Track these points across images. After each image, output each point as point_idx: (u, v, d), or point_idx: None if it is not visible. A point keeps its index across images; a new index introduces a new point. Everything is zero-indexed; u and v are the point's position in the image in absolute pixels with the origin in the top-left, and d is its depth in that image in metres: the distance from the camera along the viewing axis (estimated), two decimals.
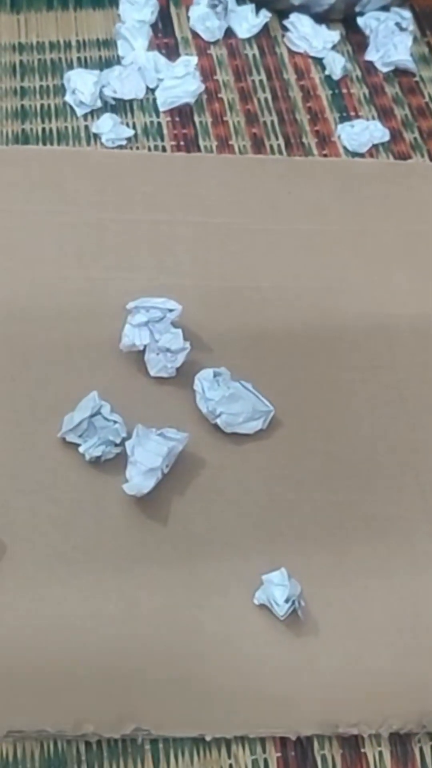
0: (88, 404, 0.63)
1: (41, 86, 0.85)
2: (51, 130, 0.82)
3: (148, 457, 0.60)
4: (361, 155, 0.82)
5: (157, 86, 0.85)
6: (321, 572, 0.59)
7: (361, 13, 0.91)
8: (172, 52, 0.88)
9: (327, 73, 0.88)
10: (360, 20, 0.91)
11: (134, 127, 0.82)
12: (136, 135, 0.82)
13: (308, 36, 0.89)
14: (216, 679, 0.56)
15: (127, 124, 0.82)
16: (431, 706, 0.56)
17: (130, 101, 0.84)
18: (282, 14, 0.91)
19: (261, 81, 0.87)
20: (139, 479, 0.60)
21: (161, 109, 0.84)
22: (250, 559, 0.59)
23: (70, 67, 0.86)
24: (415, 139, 0.84)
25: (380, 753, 0.55)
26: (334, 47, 0.89)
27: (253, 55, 0.89)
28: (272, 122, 0.84)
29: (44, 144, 0.81)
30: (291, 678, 0.56)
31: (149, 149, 0.81)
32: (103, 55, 0.88)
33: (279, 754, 0.55)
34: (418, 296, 0.72)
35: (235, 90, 0.86)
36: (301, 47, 0.89)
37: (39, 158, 0.79)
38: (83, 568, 0.59)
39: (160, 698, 0.55)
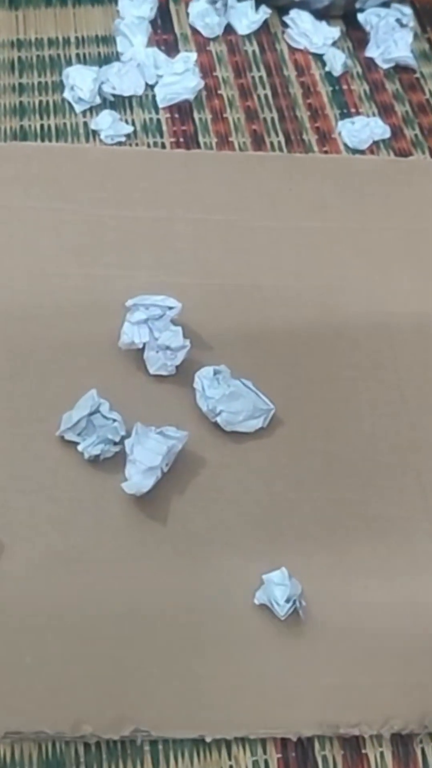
0: (86, 402, 0.62)
1: (40, 83, 0.85)
2: (49, 126, 0.81)
3: (147, 455, 0.60)
4: (362, 152, 0.82)
5: (156, 83, 0.85)
6: (321, 572, 0.59)
7: (362, 10, 0.91)
8: (171, 49, 0.87)
9: (327, 69, 0.88)
10: (360, 16, 0.91)
11: (133, 124, 0.82)
12: (135, 132, 0.81)
13: (308, 32, 0.89)
14: (216, 680, 0.55)
15: (126, 121, 0.82)
16: None
17: (129, 98, 0.84)
18: (282, 10, 0.90)
19: (261, 77, 0.87)
20: (138, 478, 0.60)
21: (160, 105, 0.83)
22: (251, 559, 0.59)
23: (69, 63, 0.86)
24: (415, 135, 0.84)
25: (381, 754, 0.55)
26: (334, 43, 0.89)
27: (253, 52, 0.89)
28: (272, 119, 0.84)
29: (43, 141, 0.80)
30: (291, 678, 0.56)
31: (148, 146, 0.81)
32: (102, 51, 0.87)
33: (279, 755, 0.54)
34: (420, 294, 0.72)
35: (234, 86, 0.86)
36: (301, 44, 0.89)
37: (37, 155, 0.78)
38: (82, 567, 0.58)
39: (159, 699, 0.55)
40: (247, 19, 0.90)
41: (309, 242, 0.74)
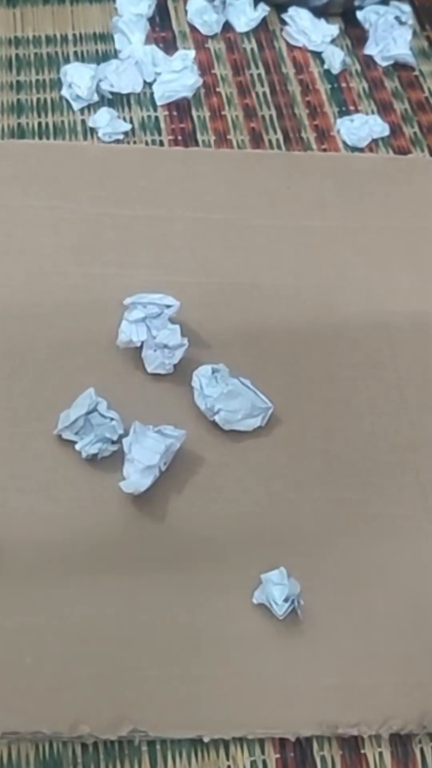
0: (84, 401, 0.62)
1: (37, 80, 0.84)
2: (47, 124, 0.81)
3: (145, 454, 0.60)
4: (361, 150, 0.82)
5: (154, 80, 0.84)
6: (320, 571, 0.59)
7: (360, 7, 0.91)
8: (169, 46, 0.87)
9: (326, 67, 0.87)
10: (359, 14, 0.90)
11: (131, 122, 0.82)
12: (133, 129, 0.81)
13: (307, 30, 0.88)
14: (214, 680, 0.55)
15: (124, 119, 0.82)
16: None
17: (127, 95, 0.84)
18: (280, 8, 0.90)
19: (259, 75, 0.87)
20: (136, 477, 0.60)
21: (159, 103, 0.83)
22: (249, 558, 0.59)
23: (67, 61, 0.85)
24: (414, 133, 0.83)
25: (380, 754, 0.55)
26: (333, 41, 0.89)
27: (252, 49, 0.89)
28: (271, 116, 0.83)
29: (40, 138, 0.80)
30: (290, 678, 0.56)
31: (146, 144, 0.80)
32: (100, 48, 0.87)
33: (278, 756, 0.54)
34: (419, 293, 0.72)
35: (233, 84, 0.86)
36: (299, 41, 0.89)
37: (35, 153, 0.78)
38: (79, 566, 0.58)
39: (157, 699, 0.54)
40: (246, 17, 0.90)
41: (308, 241, 0.74)
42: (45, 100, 0.83)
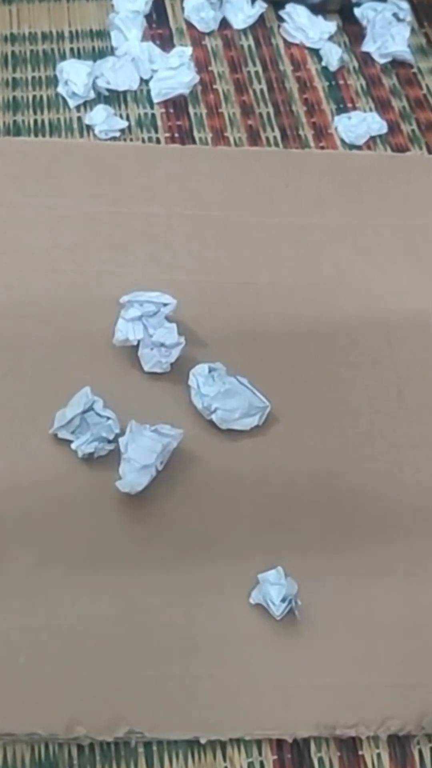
0: (80, 400, 0.62)
1: (33, 77, 0.84)
2: (43, 121, 0.81)
3: (141, 453, 0.60)
4: (359, 147, 0.81)
5: (151, 77, 0.84)
6: (318, 571, 0.59)
7: (358, 4, 0.90)
8: (166, 43, 0.87)
9: (323, 64, 0.87)
10: (357, 11, 0.90)
11: (128, 119, 0.81)
12: (129, 127, 0.81)
13: (304, 27, 0.88)
14: (211, 680, 0.55)
15: (121, 116, 0.81)
16: (430, 707, 0.55)
17: (124, 92, 0.83)
18: (278, 5, 0.90)
19: (257, 72, 0.86)
20: (132, 476, 0.60)
21: (155, 100, 0.83)
22: (246, 558, 0.58)
23: (63, 57, 0.85)
24: (412, 131, 0.83)
25: (378, 755, 0.54)
26: (330, 38, 0.89)
27: (249, 46, 0.88)
28: (268, 114, 0.83)
29: (36, 136, 0.80)
30: (287, 679, 0.55)
31: (143, 141, 0.80)
32: (97, 45, 0.87)
33: (275, 757, 0.54)
34: (418, 291, 0.72)
35: (230, 81, 0.85)
36: (297, 38, 0.88)
37: (31, 150, 0.78)
38: (75, 566, 0.58)
39: (153, 700, 0.54)
40: (243, 14, 0.89)
41: (306, 239, 0.74)
42: (41, 97, 0.83)
